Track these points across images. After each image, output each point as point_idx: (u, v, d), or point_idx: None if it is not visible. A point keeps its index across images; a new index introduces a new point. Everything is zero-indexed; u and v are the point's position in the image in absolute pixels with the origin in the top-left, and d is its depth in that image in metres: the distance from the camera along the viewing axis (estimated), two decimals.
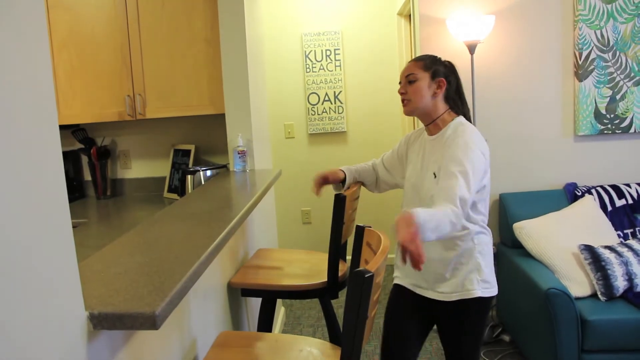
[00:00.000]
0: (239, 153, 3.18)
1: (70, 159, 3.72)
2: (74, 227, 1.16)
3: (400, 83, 2.13)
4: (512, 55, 3.54)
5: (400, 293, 2.23)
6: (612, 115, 3.58)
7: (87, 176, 3.80)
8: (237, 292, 2.52)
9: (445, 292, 2.06)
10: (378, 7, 4.87)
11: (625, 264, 3.00)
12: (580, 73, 3.51)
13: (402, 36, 4.81)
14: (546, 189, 3.61)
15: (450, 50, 3.48)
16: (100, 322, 1.10)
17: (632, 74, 3.55)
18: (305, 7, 4.88)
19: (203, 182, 3.22)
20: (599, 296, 2.94)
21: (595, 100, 3.55)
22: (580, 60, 3.50)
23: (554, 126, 3.60)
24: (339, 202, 2.36)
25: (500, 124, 3.59)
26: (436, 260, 2.05)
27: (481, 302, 2.05)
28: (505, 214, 3.47)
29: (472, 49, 3.32)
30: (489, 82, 3.54)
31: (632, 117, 3.60)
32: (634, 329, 2.75)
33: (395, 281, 2.26)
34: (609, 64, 3.52)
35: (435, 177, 2.00)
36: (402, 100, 2.11)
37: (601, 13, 3.47)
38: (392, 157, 2.42)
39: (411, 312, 2.19)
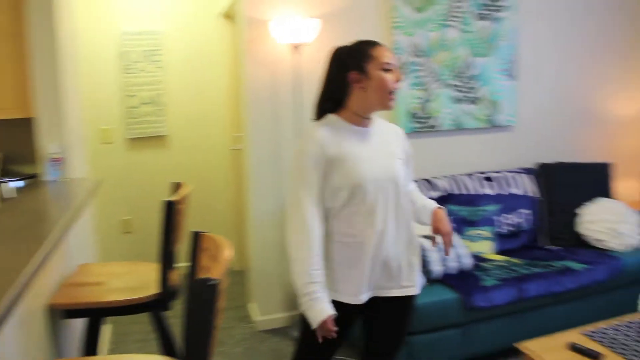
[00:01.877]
0: (53, 161, 2.90)
1: None
2: None
3: (389, 70, 1.91)
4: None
5: (345, 309, 2.02)
6: (424, 116, 3.87)
7: None
8: (60, 315, 2.30)
9: (408, 286, 2.09)
10: (200, 8, 4.77)
11: (440, 250, 3.27)
12: None
13: (225, 38, 4.76)
14: None
15: (276, 52, 3.52)
16: None
17: (439, 78, 3.87)
18: (124, 5, 4.61)
19: (16, 195, 2.89)
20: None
21: (410, 101, 3.81)
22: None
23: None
24: (168, 208, 2.26)
25: None
26: (405, 255, 2.06)
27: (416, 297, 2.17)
28: None
29: (296, 51, 3.38)
30: (313, 84, 3.62)
31: (440, 117, 3.93)
32: (451, 307, 3.04)
33: (343, 300, 2.00)
34: (421, 68, 3.81)
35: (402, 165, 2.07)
36: (394, 93, 1.95)
37: (413, 22, 3.73)
38: (317, 183, 1.95)
39: (352, 321, 2.09)
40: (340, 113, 2.00)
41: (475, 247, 3.74)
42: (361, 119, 2.00)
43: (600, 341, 2.53)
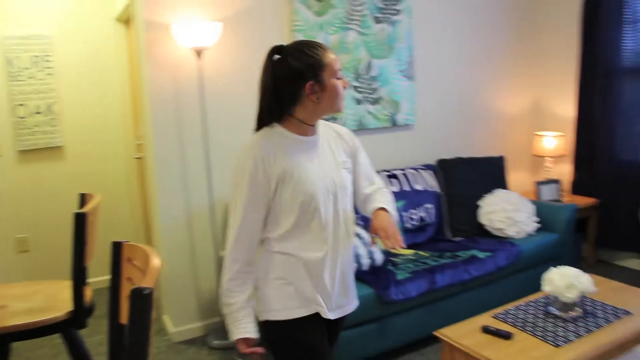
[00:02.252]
0: None
1: None
2: None
3: (340, 77, 1.81)
4: (239, 61, 3.64)
5: (320, 323, 1.94)
6: (327, 117, 3.93)
7: None
8: None
9: (354, 302, 2.09)
10: (93, 11, 4.55)
11: (353, 247, 3.33)
12: None
13: (121, 42, 4.59)
14: None
15: (177, 56, 3.44)
16: None
17: None
18: (6, 7, 4.30)
19: None
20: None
21: None
22: None
23: None
24: (79, 221, 2.15)
25: (228, 127, 3.66)
26: (351, 271, 2.04)
27: None
28: None
29: (199, 55, 3.32)
30: (217, 88, 3.58)
31: (344, 118, 4.01)
32: (367, 302, 3.10)
33: (298, 314, 1.88)
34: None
35: (349, 173, 1.98)
36: (343, 97, 1.86)
37: (314, 25, 3.78)
38: (260, 201, 1.81)
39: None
40: (285, 123, 1.83)
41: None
42: (307, 128, 1.85)
43: (510, 321, 2.68)
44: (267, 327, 1.89)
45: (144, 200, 4.61)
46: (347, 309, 2.04)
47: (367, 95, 4.11)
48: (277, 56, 1.80)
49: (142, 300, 1.19)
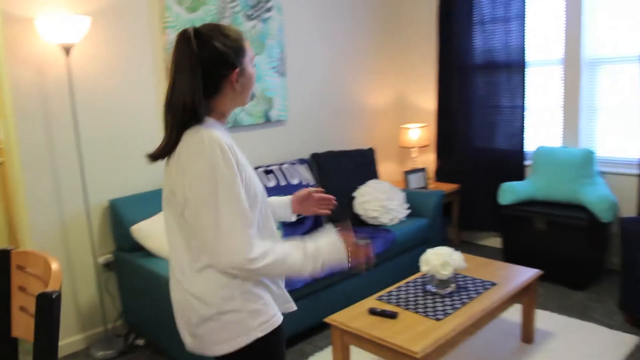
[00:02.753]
0: None
1: None
2: None
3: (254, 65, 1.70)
4: (109, 57, 3.49)
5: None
6: None
7: None
8: None
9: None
10: None
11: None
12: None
13: None
14: (154, 189, 3.71)
15: (43, 52, 3.24)
16: None
17: None
18: None
19: None
20: None
21: None
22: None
23: (152, 128, 3.71)
24: None
25: (102, 127, 3.51)
26: None
27: None
28: (120, 219, 3.42)
29: (67, 51, 3.15)
30: (88, 85, 3.42)
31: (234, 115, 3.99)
32: None
33: (279, 320, 1.69)
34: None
35: None
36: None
37: (186, 21, 3.72)
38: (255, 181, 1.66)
39: None
40: (211, 115, 1.63)
41: None
42: (224, 121, 1.69)
43: (393, 302, 2.85)
44: (248, 352, 1.62)
45: (6, 208, 4.27)
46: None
47: None
48: (195, 41, 1.55)
49: (50, 304, 1.14)
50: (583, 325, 3.44)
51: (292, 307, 1.83)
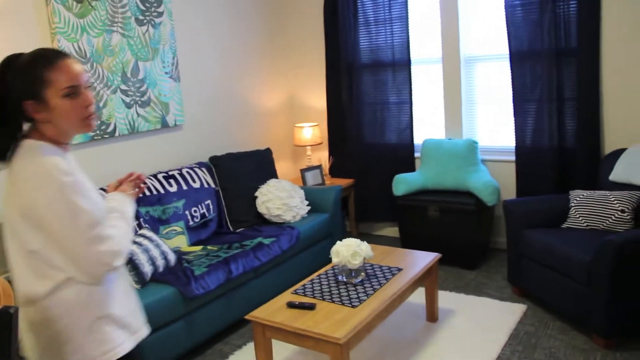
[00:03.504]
0: None
1: None
2: None
3: (75, 93, 1.58)
4: None
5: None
6: (98, 122, 3.79)
7: None
8: None
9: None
10: None
11: (146, 250, 3.32)
12: None
13: None
14: None
15: None
16: None
17: (109, 83, 3.84)
18: None
19: None
20: (134, 285, 3.16)
21: None
22: None
23: None
24: None
25: None
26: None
27: None
28: None
29: None
30: None
31: (115, 122, 3.91)
32: (171, 301, 3.14)
33: (126, 348, 1.69)
34: (89, 74, 3.71)
35: None
36: (91, 115, 1.63)
37: (76, 27, 3.61)
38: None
39: None
40: (38, 138, 1.60)
41: (172, 243, 3.87)
42: (63, 146, 1.66)
43: (309, 294, 2.96)
44: None
45: None
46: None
47: (136, 98, 4.05)
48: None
49: (9, 319, 1.14)
50: (478, 300, 3.75)
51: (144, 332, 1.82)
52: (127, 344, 1.69)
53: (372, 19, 4.99)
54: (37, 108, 1.56)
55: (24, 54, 1.60)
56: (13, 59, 1.60)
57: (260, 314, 2.80)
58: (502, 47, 4.47)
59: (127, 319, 1.71)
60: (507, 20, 4.26)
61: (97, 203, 1.62)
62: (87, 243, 1.52)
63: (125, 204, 1.79)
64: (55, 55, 1.58)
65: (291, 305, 2.84)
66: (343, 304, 2.81)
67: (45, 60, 1.55)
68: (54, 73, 1.54)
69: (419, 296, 3.82)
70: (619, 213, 3.42)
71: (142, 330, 1.81)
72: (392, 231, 5.28)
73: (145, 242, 3.40)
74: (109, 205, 1.74)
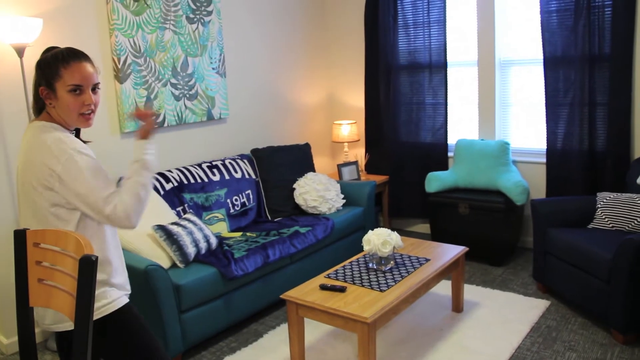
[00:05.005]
0: None
1: None
2: None
3: (78, 91, 1.86)
4: None
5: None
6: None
7: None
8: None
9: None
10: None
11: (190, 233, 3.56)
12: (120, 76, 3.87)
13: None
14: None
15: None
16: None
17: (160, 77, 4.11)
18: None
19: None
20: (178, 264, 3.42)
21: (135, 100, 3.97)
22: (119, 64, 3.84)
23: (102, 125, 3.84)
24: None
25: None
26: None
27: None
28: None
29: (20, 52, 3.26)
30: None
31: (165, 113, 4.18)
32: (212, 281, 3.38)
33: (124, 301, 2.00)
34: (142, 68, 3.99)
35: None
36: (89, 113, 1.90)
37: (132, 24, 3.89)
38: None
39: None
40: (49, 119, 1.91)
41: (214, 228, 4.12)
42: (73, 133, 1.98)
43: (340, 279, 3.16)
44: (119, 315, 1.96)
45: None
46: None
47: (184, 91, 4.32)
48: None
49: (91, 265, 1.37)
50: (503, 295, 3.90)
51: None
52: (124, 299, 2.00)
53: (411, 21, 5.16)
54: (48, 94, 1.87)
55: (56, 49, 1.91)
56: (47, 51, 1.92)
57: (294, 293, 3.01)
58: (536, 51, 4.60)
59: (126, 286, 2.06)
60: (542, 26, 4.38)
61: (106, 177, 1.86)
62: (103, 199, 1.80)
63: (140, 171, 1.94)
64: (72, 57, 1.87)
65: (323, 287, 3.04)
66: (372, 288, 3.01)
67: (63, 59, 1.85)
68: (66, 71, 1.84)
69: (446, 288, 3.98)
70: None
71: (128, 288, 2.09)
72: (424, 227, 5.44)
73: (189, 225, 3.65)
74: (129, 173, 1.94)
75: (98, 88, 1.92)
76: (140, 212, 1.86)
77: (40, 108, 1.93)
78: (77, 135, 2.02)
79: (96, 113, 1.95)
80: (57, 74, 1.83)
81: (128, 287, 2.08)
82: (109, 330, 1.93)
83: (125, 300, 2.01)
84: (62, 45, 3.52)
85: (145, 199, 1.88)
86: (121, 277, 2.02)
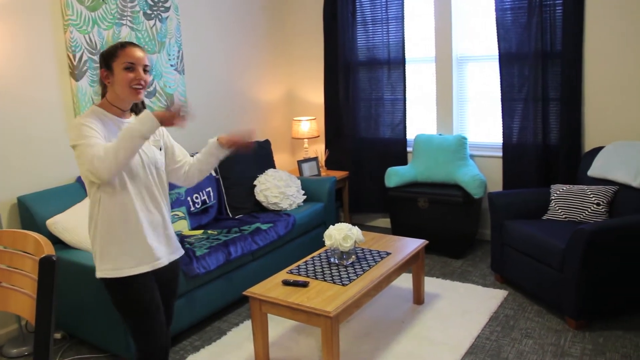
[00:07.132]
0: None
1: None
2: None
3: (131, 69, 2.18)
4: (12, 54, 3.49)
5: (147, 279, 2.29)
6: None
7: None
8: None
9: (178, 249, 2.49)
10: None
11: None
12: (76, 73, 3.79)
13: None
14: (63, 184, 3.77)
15: None
16: None
17: None
18: None
19: None
20: None
21: (92, 98, 3.90)
22: (74, 61, 3.77)
23: (56, 124, 3.76)
24: None
25: (4, 124, 3.50)
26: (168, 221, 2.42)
27: None
28: (31, 214, 3.46)
29: None
30: None
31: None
32: None
33: (140, 271, 2.25)
34: (99, 64, 3.91)
35: (160, 150, 2.41)
36: (139, 88, 2.21)
37: (87, 19, 3.82)
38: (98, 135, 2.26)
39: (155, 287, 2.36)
40: (101, 104, 2.28)
41: (175, 227, 4.08)
42: (119, 111, 2.28)
43: (303, 274, 3.18)
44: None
45: None
46: (170, 257, 2.43)
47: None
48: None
49: (52, 266, 1.35)
50: (463, 286, 3.99)
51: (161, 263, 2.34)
52: (145, 267, 2.27)
53: (369, 18, 5.20)
54: (107, 75, 2.22)
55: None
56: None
57: (257, 290, 3.02)
58: (492, 48, 4.70)
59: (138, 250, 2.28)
60: (497, 23, 4.48)
61: (93, 137, 2.10)
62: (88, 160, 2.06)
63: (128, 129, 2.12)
64: (127, 44, 2.24)
65: (286, 283, 3.06)
66: (334, 283, 3.04)
67: (120, 45, 2.24)
68: (122, 52, 2.21)
69: (407, 281, 4.05)
70: (595, 206, 3.65)
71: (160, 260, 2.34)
72: (384, 222, 5.51)
73: None
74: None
75: (148, 69, 2.25)
76: (109, 168, 2.03)
77: (103, 94, 2.29)
78: (136, 112, 2.34)
79: (145, 89, 2.24)
80: (115, 55, 2.19)
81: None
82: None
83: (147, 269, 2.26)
84: (14, 40, 3.47)
85: (121, 159, 2.05)
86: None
